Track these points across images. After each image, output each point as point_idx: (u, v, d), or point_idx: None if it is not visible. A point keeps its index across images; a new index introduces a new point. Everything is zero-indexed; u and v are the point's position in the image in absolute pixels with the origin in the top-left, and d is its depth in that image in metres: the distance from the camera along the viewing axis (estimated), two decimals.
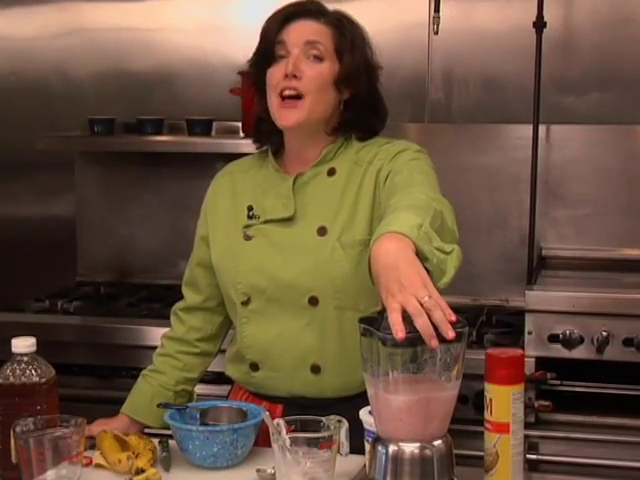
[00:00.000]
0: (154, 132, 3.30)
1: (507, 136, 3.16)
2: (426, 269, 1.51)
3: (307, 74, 1.89)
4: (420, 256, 1.51)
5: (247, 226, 1.99)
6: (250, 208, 2.00)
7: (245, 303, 1.97)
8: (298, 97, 1.90)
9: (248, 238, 1.98)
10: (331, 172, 1.97)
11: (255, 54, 1.98)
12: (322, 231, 1.92)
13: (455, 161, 3.16)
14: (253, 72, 2.00)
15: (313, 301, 1.91)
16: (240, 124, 3.19)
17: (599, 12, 3.08)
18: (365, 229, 1.91)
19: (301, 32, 1.91)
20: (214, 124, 3.28)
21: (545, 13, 2.99)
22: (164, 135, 3.31)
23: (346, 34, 1.93)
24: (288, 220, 1.95)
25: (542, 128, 3.06)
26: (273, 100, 1.93)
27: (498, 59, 3.16)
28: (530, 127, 3.04)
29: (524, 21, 3.02)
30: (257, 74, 1.98)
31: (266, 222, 1.97)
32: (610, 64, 3.09)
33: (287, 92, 1.90)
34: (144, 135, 3.30)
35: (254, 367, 1.99)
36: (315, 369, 1.94)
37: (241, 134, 3.21)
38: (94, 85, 3.48)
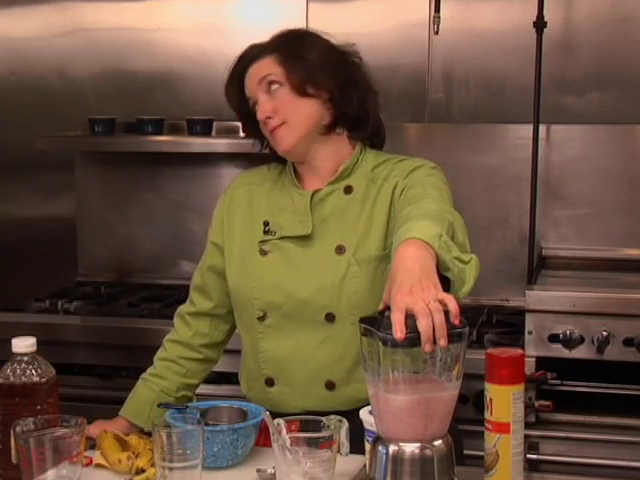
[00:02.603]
0: (154, 132, 3.29)
1: (507, 136, 3.16)
2: (447, 279, 1.53)
3: (275, 106, 1.95)
4: (441, 266, 1.54)
5: (263, 241, 2.00)
6: (266, 223, 2.01)
7: (261, 318, 1.98)
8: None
9: (264, 253, 1.99)
10: (348, 190, 1.98)
11: (240, 119, 2.08)
12: (340, 250, 1.94)
13: (455, 161, 3.16)
14: (250, 131, 2.08)
15: (330, 318, 1.93)
16: (240, 124, 3.19)
17: (599, 12, 3.08)
18: (380, 245, 1.93)
19: (254, 76, 1.97)
20: (214, 124, 3.28)
21: (545, 13, 2.99)
22: (164, 135, 3.31)
23: (288, 49, 1.96)
24: (305, 237, 1.97)
25: (542, 128, 3.06)
26: (267, 135, 2.01)
27: (498, 59, 3.16)
28: (530, 127, 3.04)
29: (524, 21, 3.02)
30: (248, 124, 2.07)
31: (282, 238, 1.98)
32: (610, 64, 3.09)
33: (275, 132, 1.97)
34: (144, 135, 3.29)
35: (269, 382, 2.00)
36: (329, 385, 1.95)
37: (241, 134, 3.20)
38: (94, 85, 3.47)
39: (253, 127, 2.03)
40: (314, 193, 1.98)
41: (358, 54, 2.03)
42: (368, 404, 1.71)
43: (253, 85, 1.97)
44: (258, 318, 1.98)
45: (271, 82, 1.95)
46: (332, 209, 1.97)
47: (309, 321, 1.94)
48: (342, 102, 1.98)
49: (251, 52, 2.00)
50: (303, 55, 1.96)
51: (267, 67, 1.95)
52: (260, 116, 1.95)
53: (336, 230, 1.96)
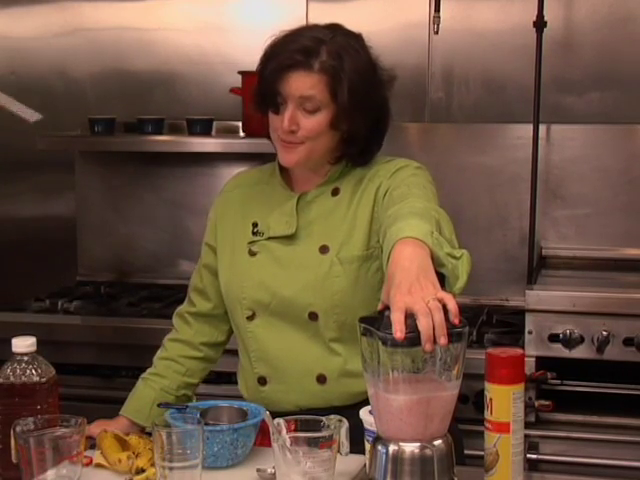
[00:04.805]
0: (154, 132, 3.30)
1: (507, 136, 3.16)
2: (442, 275, 1.53)
3: (303, 126, 1.91)
4: (435, 262, 1.55)
5: (252, 242, 2.01)
6: (255, 224, 2.02)
7: (250, 318, 2.00)
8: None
9: (253, 254, 2.00)
10: (335, 192, 1.99)
11: (256, 96, 1.98)
12: (324, 249, 1.95)
13: (455, 161, 3.16)
14: (257, 108, 2.00)
15: (313, 316, 1.94)
16: (240, 124, 3.19)
17: (599, 12, 3.08)
18: (363, 244, 1.94)
19: (296, 87, 1.89)
20: (214, 124, 3.28)
21: (545, 13, 2.99)
22: (164, 135, 3.31)
23: (342, 74, 1.89)
24: (290, 237, 1.98)
25: (542, 128, 3.07)
26: (275, 139, 1.97)
27: (498, 59, 3.16)
28: (530, 127, 3.04)
29: (524, 21, 3.02)
30: (261, 110, 1.99)
31: (269, 239, 1.99)
32: (610, 64, 3.09)
33: (287, 146, 1.93)
34: (144, 135, 3.29)
35: (262, 381, 2.01)
36: (321, 379, 1.95)
37: (241, 134, 3.21)
38: (94, 85, 3.48)
39: (266, 103, 1.96)
40: (301, 195, 2.00)
41: (394, 80, 2.01)
42: (362, 399, 1.72)
43: (293, 94, 1.89)
44: (247, 318, 2.00)
45: (311, 107, 1.89)
46: (319, 211, 1.99)
47: (294, 320, 1.96)
48: (359, 140, 1.97)
49: (304, 51, 1.89)
50: (356, 87, 1.90)
51: (316, 87, 1.89)
52: (286, 126, 1.90)
53: (321, 231, 1.97)
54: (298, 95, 1.89)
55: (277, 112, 1.93)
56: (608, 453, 2.54)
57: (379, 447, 1.52)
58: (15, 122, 3.48)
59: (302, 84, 1.89)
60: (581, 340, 2.56)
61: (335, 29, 1.96)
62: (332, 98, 1.90)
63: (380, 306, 1.50)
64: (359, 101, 1.91)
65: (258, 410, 1.82)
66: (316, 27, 1.97)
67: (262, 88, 1.95)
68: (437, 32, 3.04)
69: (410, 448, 1.50)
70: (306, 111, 1.90)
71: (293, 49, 1.90)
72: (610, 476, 2.48)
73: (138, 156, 3.38)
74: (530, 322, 2.59)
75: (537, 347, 2.58)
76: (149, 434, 1.81)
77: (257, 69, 1.97)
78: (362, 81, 1.92)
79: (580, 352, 2.57)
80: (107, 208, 3.49)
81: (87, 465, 1.72)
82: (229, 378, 2.50)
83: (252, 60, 2.00)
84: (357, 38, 1.97)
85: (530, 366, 2.53)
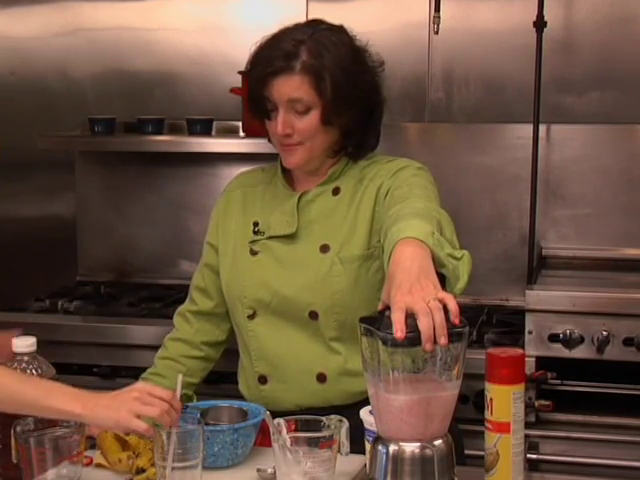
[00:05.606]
0: (154, 132, 3.29)
1: (507, 136, 3.16)
2: (443, 275, 1.53)
3: (297, 128, 1.94)
4: (436, 263, 1.56)
5: (253, 241, 2.02)
6: (256, 224, 2.04)
7: (251, 317, 2.01)
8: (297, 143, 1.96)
9: (254, 253, 2.02)
10: (336, 191, 2.01)
11: (248, 102, 2.02)
12: (324, 249, 1.96)
13: (455, 161, 3.16)
14: (253, 115, 2.03)
15: (313, 315, 1.95)
16: (240, 124, 3.19)
17: (599, 12, 3.08)
18: (364, 244, 1.95)
19: (282, 91, 1.92)
20: (214, 124, 3.28)
21: (545, 13, 2.99)
22: (164, 135, 3.31)
23: (324, 71, 1.91)
24: (291, 237, 1.99)
25: (542, 128, 3.06)
26: (275, 144, 2.00)
27: (498, 59, 3.16)
28: (530, 127, 3.04)
29: (524, 21, 3.02)
30: (256, 117, 2.02)
31: (270, 238, 2.00)
32: (610, 64, 3.09)
33: (287, 148, 1.96)
34: (144, 135, 3.29)
35: (262, 380, 2.02)
36: (321, 378, 1.96)
37: (241, 134, 3.21)
38: (94, 85, 3.47)
39: (259, 111, 2.00)
40: (302, 194, 2.00)
41: (382, 66, 2.02)
42: (362, 398, 1.72)
43: (281, 99, 1.93)
44: (248, 316, 2.01)
45: (301, 108, 1.92)
46: (320, 210, 2.00)
47: (295, 319, 1.97)
48: (357, 132, 1.99)
49: (285, 56, 1.91)
50: (340, 81, 1.92)
51: (301, 89, 1.91)
52: (280, 131, 1.93)
53: (322, 230, 1.98)
54: (286, 99, 1.92)
55: (270, 118, 1.96)
56: (608, 453, 2.54)
57: (379, 447, 1.52)
58: (15, 122, 3.48)
59: (287, 88, 1.92)
60: (581, 340, 2.56)
61: (315, 25, 1.99)
62: (319, 96, 1.92)
63: (380, 306, 1.51)
64: (346, 93, 1.93)
65: (258, 410, 1.82)
66: (297, 27, 2.00)
67: (251, 95, 1.99)
68: (437, 32, 3.03)
69: (410, 448, 1.50)
70: (298, 113, 1.93)
71: (274, 55, 1.93)
72: (610, 476, 2.48)
73: (138, 156, 3.38)
74: (530, 322, 2.58)
75: (537, 347, 2.58)
76: None
77: (245, 76, 1.99)
78: (345, 73, 1.94)
79: (580, 352, 2.56)
80: (107, 208, 3.49)
81: (87, 465, 1.72)
82: (229, 378, 2.49)
83: None
84: (337, 31, 1.99)
85: (530, 366, 2.53)
